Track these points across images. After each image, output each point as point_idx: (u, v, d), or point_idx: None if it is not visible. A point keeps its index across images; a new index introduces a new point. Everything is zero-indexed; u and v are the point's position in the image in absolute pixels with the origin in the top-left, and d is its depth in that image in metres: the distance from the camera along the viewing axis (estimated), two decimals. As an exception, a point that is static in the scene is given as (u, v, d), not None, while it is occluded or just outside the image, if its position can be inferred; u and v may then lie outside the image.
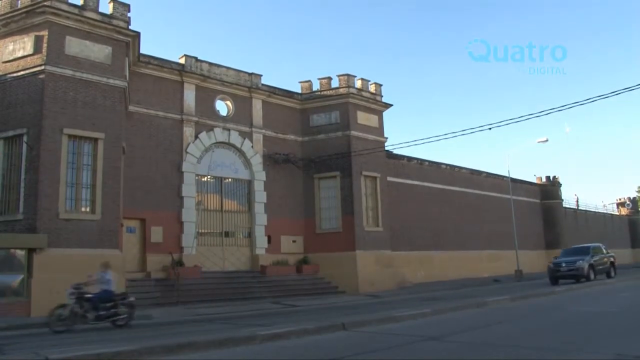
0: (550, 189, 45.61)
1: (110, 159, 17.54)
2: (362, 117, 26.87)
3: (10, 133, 16.69)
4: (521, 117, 22.84)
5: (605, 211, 57.52)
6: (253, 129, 24.70)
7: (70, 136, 16.83)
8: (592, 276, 22.60)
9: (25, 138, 16.34)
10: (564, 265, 22.85)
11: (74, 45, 17.26)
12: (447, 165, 34.94)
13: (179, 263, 20.48)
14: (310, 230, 25.75)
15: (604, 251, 25.58)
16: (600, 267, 24.15)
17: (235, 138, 24.01)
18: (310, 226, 25.81)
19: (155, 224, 20.72)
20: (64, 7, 17.07)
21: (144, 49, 20.91)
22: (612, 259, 25.56)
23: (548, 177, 46.35)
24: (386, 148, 27.89)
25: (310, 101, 26.82)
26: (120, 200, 18.12)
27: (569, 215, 47.90)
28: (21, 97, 16.71)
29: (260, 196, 24.48)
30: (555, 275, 22.95)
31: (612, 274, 25.13)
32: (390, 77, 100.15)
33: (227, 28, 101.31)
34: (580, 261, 22.69)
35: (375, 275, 24.90)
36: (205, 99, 23.35)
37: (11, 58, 17.11)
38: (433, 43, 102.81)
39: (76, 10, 17.32)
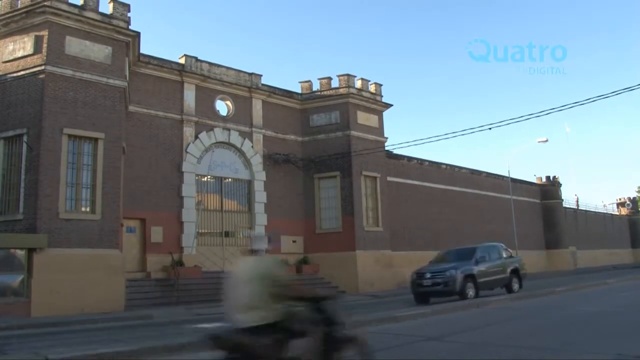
0: (550, 189, 45.60)
1: (110, 159, 17.52)
2: (362, 117, 26.87)
3: (10, 133, 16.68)
4: (521, 117, 22.88)
5: (605, 211, 57.51)
6: (253, 129, 24.70)
7: (70, 136, 16.81)
8: (470, 292, 16.01)
9: (25, 138, 16.33)
10: (428, 276, 16.35)
11: (74, 45, 17.24)
12: (447, 165, 34.93)
13: (179, 263, 20.47)
14: (310, 230, 25.75)
15: (504, 254, 18.75)
16: (492, 279, 17.34)
17: (235, 138, 24.01)
18: (310, 226, 25.80)
19: (155, 224, 20.71)
20: (64, 7, 17.05)
21: (144, 49, 20.93)
22: (516, 266, 18.57)
23: (548, 177, 46.35)
24: (386, 148, 27.89)
25: (310, 101, 26.82)
26: (120, 200, 18.11)
27: (569, 215, 47.88)
28: (21, 97, 16.70)
29: (260, 196, 24.48)
30: (418, 291, 16.63)
31: (515, 287, 17.98)
32: (390, 77, 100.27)
33: (227, 28, 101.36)
34: (453, 270, 16.09)
35: (375, 275, 24.90)
36: (205, 99, 23.35)
37: (11, 58, 17.10)
38: (433, 43, 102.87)
39: (76, 10, 17.31)
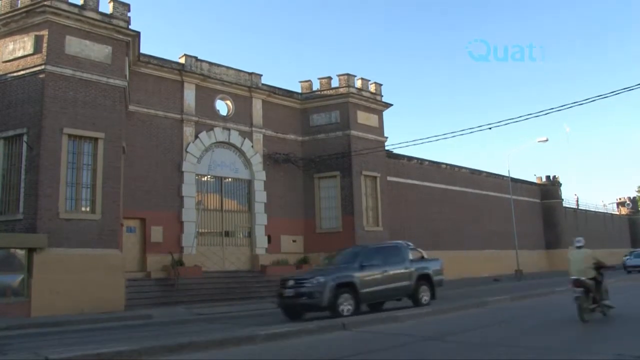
0: (550, 188, 45.63)
1: (110, 159, 17.51)
2: (362, 117, 26.87)
3: (10, 133, 16.67)
4: (521, 117, 22.79)
5: (605, 211, 57.53)
6: (253, 129, 24.69)
7: (70, 136, 16.80)
8: (345, 306, 12.39)
9: (25, 138, 16.32)
10: (291, 283, 12.83)
11: (74, 45, 17.24)
12: (447, 165, 34.94)
13: (179, 263, 20.47)
14: (310, 230, 25.74)
15: (409, 256, 14.77)
16: (385, 288, 13.63)
17: (235, 138, 24.01)
18: (310, 226, 25.80)
19: (155, 223, 20.71)
20: (64, 6, 17.04)
21: (144, 49, 20.95)
22: (426, 272, 14.80)
23: (548, 177, 46.38)
24: (386, 148, 27.89)
25: (310, 101, 26.82)
26: (120, 200, 18.11)
27: (569, 215, 47.90)
28: (21, 97, 16.69)
29: (260, 196, 24.48)
30: (282, 303, 13.11)
31: (424, 298, 14.43)
32: (390, 77, 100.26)
33: (227, 28, 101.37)
34: (321, 277, 12.56)
35: (375, 275, 24.80)
36: (205, 98, 23.34)
37: (11, 58, 17.09)
38: (433, 43, 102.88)
39: (76, 10, 17.30)
